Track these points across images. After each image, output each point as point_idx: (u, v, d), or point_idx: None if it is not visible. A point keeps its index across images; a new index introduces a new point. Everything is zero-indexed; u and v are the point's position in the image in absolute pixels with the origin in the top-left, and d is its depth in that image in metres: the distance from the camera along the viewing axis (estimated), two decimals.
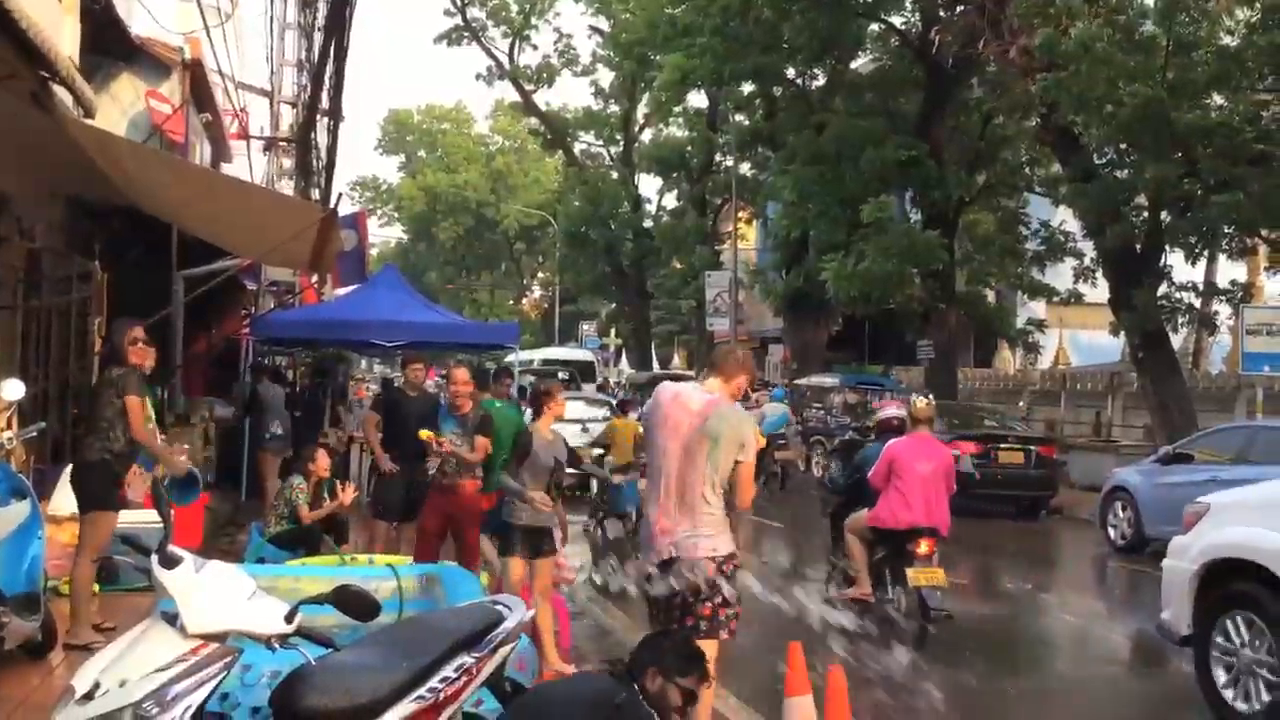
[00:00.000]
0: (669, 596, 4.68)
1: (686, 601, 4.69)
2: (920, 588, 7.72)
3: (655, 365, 42.06)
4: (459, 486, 8.08)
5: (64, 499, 7.59)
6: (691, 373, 34.03)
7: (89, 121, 9.15)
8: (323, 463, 9.00)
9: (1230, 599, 6.14)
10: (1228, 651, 6.12)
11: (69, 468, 7.35)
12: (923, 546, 7.83)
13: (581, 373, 31.46)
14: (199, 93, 16.46)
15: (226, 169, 20.50)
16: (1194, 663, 6.37)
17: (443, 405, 8.61)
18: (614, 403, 17.35)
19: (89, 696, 3.18)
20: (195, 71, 15.60)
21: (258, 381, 13.77)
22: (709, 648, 4.69)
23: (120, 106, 14.35)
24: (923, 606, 7.75)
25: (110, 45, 13.19)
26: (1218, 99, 16.10)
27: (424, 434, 8.18)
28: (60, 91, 8.64)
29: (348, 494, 8.97)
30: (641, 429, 14.30)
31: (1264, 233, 16.75)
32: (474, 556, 7.98)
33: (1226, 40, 15.65)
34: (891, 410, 9.46)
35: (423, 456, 8.70)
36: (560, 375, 27.78)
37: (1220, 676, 6.14)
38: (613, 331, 49.88)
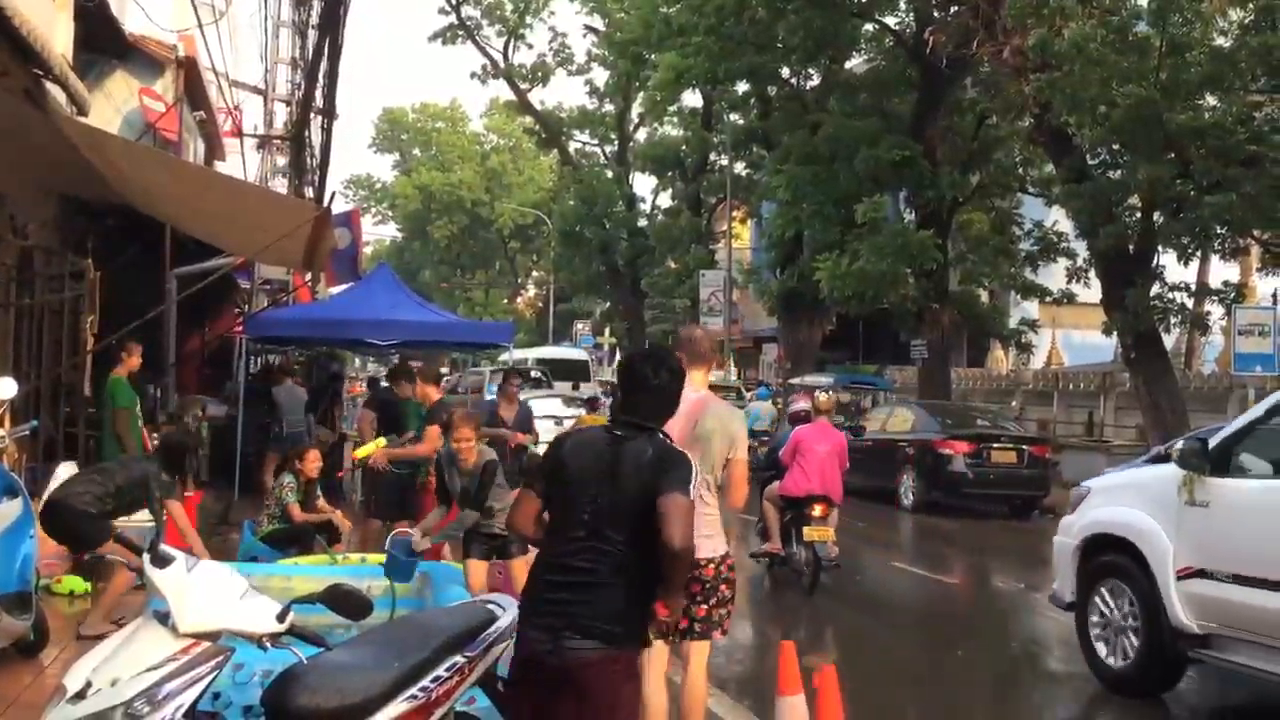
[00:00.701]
0: None
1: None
2: (813, 542, 9.67)
3: None
4: (429, 484, 8.02)
5: None
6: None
7: (83, 119, 9.15)
8: (312, 463, 9.00)
9: (1103, 569, 7.06)
10: (1102, 615, 7.02)
11: (57, 482, 7.21)
12: (817, 510, 9.73)
13: (576, 372, 31.41)
14: (193, 90, 16.46)
15: (220, 167, 20.49)
16: (1075, 626, 7.31)
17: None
18: (584, 398, 18.96)
19: (80, 695, 3.19)
20: (189, 69, 15.60)
21: (278, 382, 13.76)
22: (703, 647, 4.89)
23: (114, 104, 14.33)
24: (815, 558, 9.72)
25: (104, 43, 13.17)
26: (1211, 100, 16.11)
27: (359, 453, 8.24)
28: (54, 89, 8.64)
29: (342, 519, 9.03)
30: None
31: (1256, 233, 16.76)
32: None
33: (1220, 41, 15.65)
34: (800, 404, 11.44)
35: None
36: (533, 374, 27.67)
37: (1096, 638, 7.08)
38: (607, 330, 49.86)
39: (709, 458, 4.79)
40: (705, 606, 4.78)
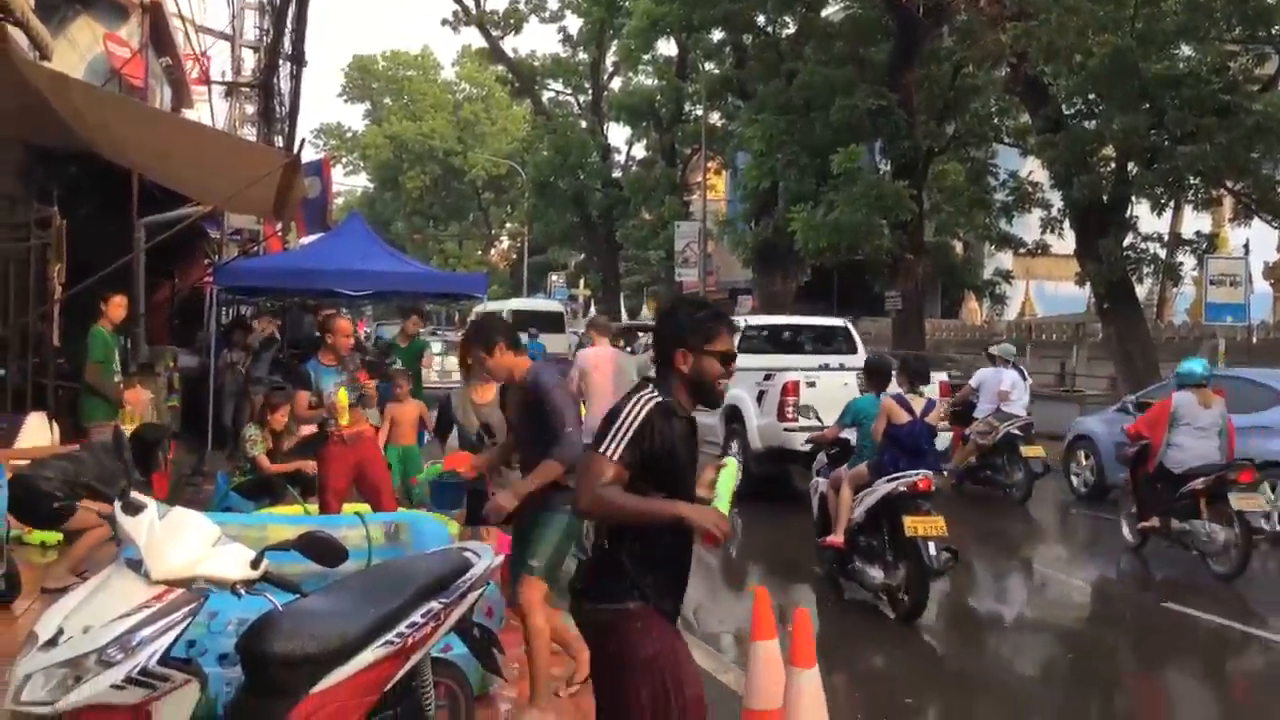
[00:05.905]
0: None
1: None
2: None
3: (625, 316, 42.00)
4: (361, 435, 7.43)
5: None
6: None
7: (46, 64, 8.96)
8: (280, 416, 8.92)
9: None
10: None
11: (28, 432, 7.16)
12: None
13: (550, 324, 31.31)
14: (159, 36, 16.16)
15: (187, 114, 20.15)
16: None
17: (315, 361, 7.45)
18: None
19: (53, 643, 3.16)
20: (155, 14, 15.31)
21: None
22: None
23: (78, 50, 14.03)
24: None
25: None
26: (1186, 50, 16.10)
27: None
28: (16, 33, 8.44)
29: (308, 466, 8.81)
30: None
31: (1229, 184, 16.84)
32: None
33: None
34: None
35: None
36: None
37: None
38: (581, 282, 49.72)
39: None
40: None
